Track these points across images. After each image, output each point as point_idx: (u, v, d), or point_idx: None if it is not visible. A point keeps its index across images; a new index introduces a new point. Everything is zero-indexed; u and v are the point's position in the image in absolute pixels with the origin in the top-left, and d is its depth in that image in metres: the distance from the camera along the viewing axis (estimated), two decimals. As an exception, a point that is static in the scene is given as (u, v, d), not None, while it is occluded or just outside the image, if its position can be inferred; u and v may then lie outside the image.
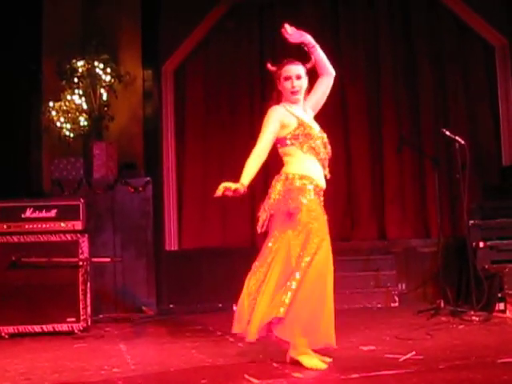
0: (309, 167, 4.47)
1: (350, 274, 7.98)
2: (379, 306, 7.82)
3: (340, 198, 8.81)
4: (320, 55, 4.62)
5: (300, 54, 4.67)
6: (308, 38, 4.58)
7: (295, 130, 4.47)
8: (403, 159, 8.67)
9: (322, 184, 4.53)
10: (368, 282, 8.00)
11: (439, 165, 7.57)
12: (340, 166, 8.74)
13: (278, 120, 4.46)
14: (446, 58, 8.84)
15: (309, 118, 4.62)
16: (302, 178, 4.43)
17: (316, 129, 4.56)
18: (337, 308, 7.24)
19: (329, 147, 4.55)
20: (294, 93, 4.51)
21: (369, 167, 8.88)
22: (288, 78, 4.50)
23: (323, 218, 4.48)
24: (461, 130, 7.72)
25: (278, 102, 4.57)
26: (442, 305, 6.99)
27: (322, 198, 4.56)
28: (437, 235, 7.53)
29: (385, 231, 8.71)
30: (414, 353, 4.63)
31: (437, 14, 8.83)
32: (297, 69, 4.52)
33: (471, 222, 7.19)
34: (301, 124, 4.47)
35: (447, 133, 6.89)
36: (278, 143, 4.56)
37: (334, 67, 4.64)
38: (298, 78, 4.51)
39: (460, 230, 7.99)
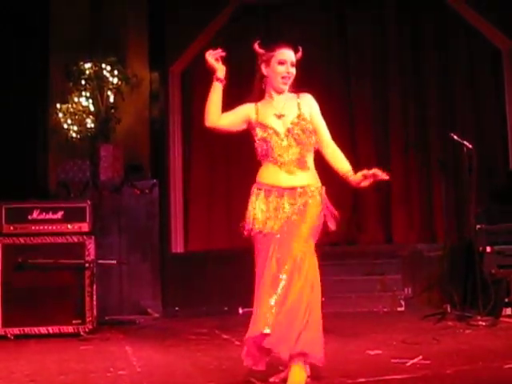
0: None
1: (356, 278, 7.98)
2: (385, 310, 7.77)
3: (346, 201, 8.74)
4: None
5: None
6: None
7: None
8: (410, 163, 8.66)
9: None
10: (374, 286, 7.96)
11: (446, 169, 7.57)
12: None
13: (245, 112, 4.17)
14: (454, 62, 8.84)
15: (283, 108, 4.11)
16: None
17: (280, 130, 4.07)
18: (342, 312, 7.27)
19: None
20: (285, 78, 4.06)
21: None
22: (283, 62, 4.05)
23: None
24: (468, 133, 7.71)
25: (261, 91, 4.17)
26: (449, 309, 6.96)
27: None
28: (443, 239, 7.52)
29: (391, 235, 8.72)
30: (420, 357, 4.61)
31: (444, 17, 8.83)
32: (291, 54, 4.09)
33: (478, 226, 7.14)
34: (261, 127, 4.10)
35: (455, 137, 6.86)
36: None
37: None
38: (292, 65, 4.08)
39: (467, 235, 7.94)
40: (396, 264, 8.14)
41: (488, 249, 7.09)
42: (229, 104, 4.30)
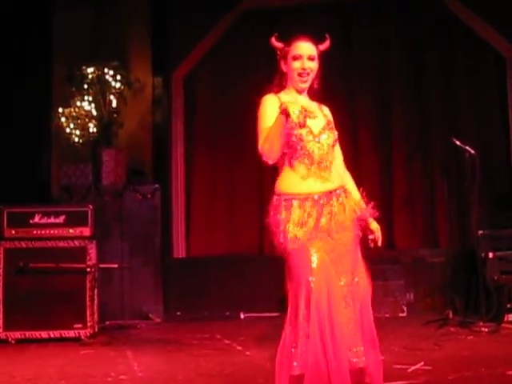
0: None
1: (358, 284, 7.92)
2: (387, 315, 7.75)
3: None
4: None
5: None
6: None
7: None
8: (413, 168, 8.65)
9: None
10: (376, 291, 7.73)
11: (449, 174, 7.55)
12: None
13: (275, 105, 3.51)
14: (457, 69, 8.82)
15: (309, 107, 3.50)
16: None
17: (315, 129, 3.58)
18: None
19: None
20: (302, 75, 3.60)
21: (378, 175, 8.84)
22: (298, 58, 3.60)
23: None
24: (471, 139, 7.68)
25: (281, 87, 3.71)
26: (451, 315, 6.94)
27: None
28: (446, 245, 7.49)
29: (393, 241, 8.66)
30: (422, 363, 4.61)
31: (448, 24, 8.80)
32: (310, 48, 3.63)
33: (480, 232, 7.14)
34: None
35: (457, 142, 6.87)
36: None
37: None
38: (311, 58, 3.61)
39: (469, 240, 7.91)
40: (398, 270, 8.11)
41: (490, 255, 7.09)
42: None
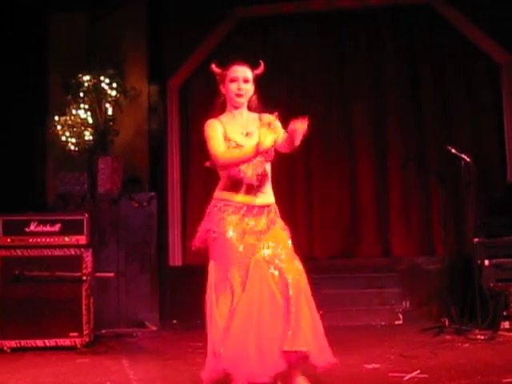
0: None
1: (354, 292, 7.95)
2: (383, 323, 7.73)
3: (344, 214, 8.81)
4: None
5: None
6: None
7: None
8: (408, 175, 8.65)
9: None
10: (372, 299, 7.93)
11: (444, 181, 7.53)
12: (344, 182, 8.83)
13: (218, 128, 4.14)
14: (451, 75, 8.81)
15: (248, 127, 4.22)
16: None
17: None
18: (340, 325, 7.25)
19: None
20: (238, 95, 4.17)
21: (373, 183, 8.82)
22: (234, 80, 4.16)
23: None
24: (465, 146, 7.69)
25: (222, 108, 4.27)
26: (447, 323, 6.91)
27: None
28: (442, 253, 7.48)
29: (389, 248, 8.67)
30: (418, 371, 4.59)
31: (441, 30, 8.79)
32: (244, 71, 4.19)
33: (476, 239, 7.14)
34: (230, 146, 4.13)
35: (453, 150, 6.88)
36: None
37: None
38: (245, 81, 4.18)
39: (465, 248, 7.94)
40: (394, 277, 8.10)
41: (486, 262, 7.09)
42: None
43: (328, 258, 8.60)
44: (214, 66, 4.25)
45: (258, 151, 3.86)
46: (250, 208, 4.14)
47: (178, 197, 8.98)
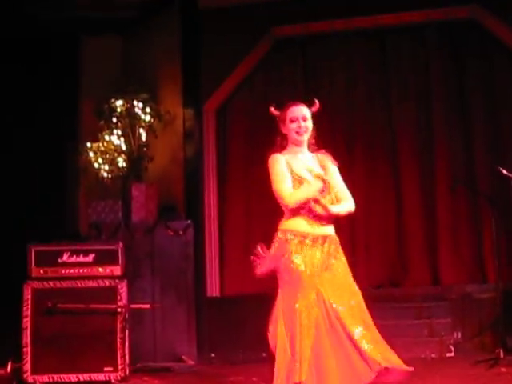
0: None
1: (402, 322, 7.73)
2: (433, 356, 7.52)
3: (390, 241, 8.61)
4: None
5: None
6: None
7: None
8: (457, 199, 8.41)
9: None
10: (421, 330, 7.75)
11: (496, 204, 7.33)
12: (390, 207, 8.64)
13: (284, 164, 4.46)
14: (500, 93, 8.57)
15: (310, 164, 4.55)
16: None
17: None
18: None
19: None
20: (299, 133, 4.50)
21: (421, 208, 8.60)
22: (294, 120, 4.50)
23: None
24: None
25: (283, 147, 4.57)
26: (502, 354, 6.67)
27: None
28: (495, 280, 7.28)
29: (438, 276, 8.43)
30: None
31: (489, 47, 8.56)
32: (302, 110, 4.54)
33: (531, 265, 6.92)
34: (296, 179, 4.45)
35: (504, 171, 6.72)
36: None
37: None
38: (304, 119, 4.51)
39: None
40: (444, 307, 7.90)
41: (541, 289, 6.86)
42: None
43: (374, 287, 8.34)
44: (272, 109, 4.59)
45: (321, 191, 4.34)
46: (315, 238, 4.39)
47: (215, 224, 8.83)
